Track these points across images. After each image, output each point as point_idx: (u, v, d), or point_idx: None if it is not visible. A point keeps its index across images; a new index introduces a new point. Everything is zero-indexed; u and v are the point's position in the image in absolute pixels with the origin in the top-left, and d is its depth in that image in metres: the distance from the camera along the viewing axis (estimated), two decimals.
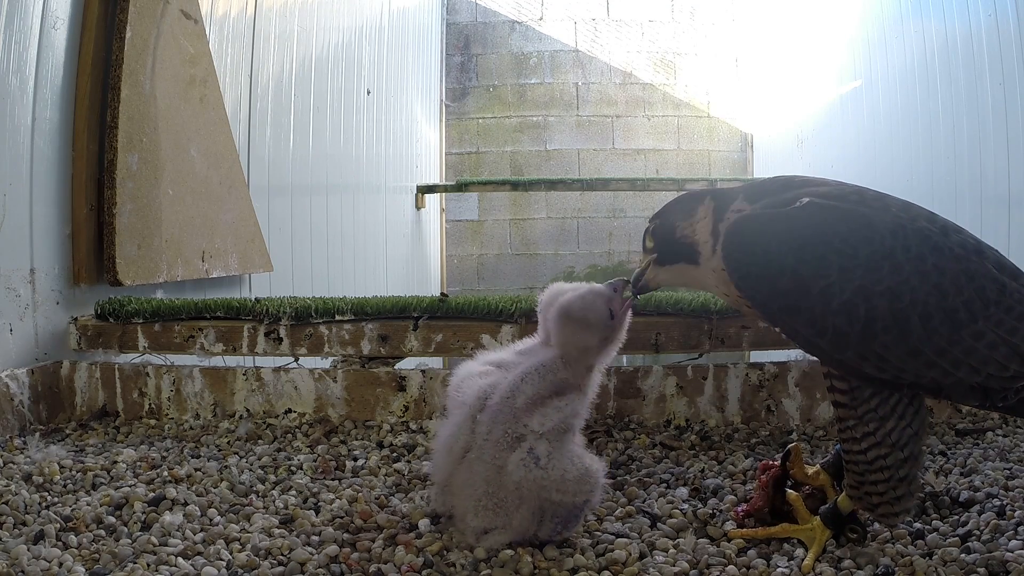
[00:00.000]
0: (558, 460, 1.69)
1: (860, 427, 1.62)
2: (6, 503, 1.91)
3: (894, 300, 1.53)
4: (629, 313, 1.86)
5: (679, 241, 1.80)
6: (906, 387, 1.59)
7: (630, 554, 1.70)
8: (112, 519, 1.85)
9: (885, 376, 1.57)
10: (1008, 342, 1.53)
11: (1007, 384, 1.54)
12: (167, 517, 1.84)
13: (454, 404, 1.84)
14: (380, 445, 2.47)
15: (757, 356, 3.37)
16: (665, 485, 2.12)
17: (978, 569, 1.62)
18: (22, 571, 1.60)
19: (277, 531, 1.82)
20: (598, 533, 1.82)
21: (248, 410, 2.72)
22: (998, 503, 1.91)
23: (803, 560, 1.66)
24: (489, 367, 1.86)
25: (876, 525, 1.79)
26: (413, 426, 2.62)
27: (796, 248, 1.59)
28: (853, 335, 1.54)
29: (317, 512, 1.94)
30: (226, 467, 2.22)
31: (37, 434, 2.47)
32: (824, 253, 1.57)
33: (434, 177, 8.80)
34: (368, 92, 6.19)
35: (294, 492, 2.06)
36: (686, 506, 1.96)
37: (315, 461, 2.29)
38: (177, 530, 1.80)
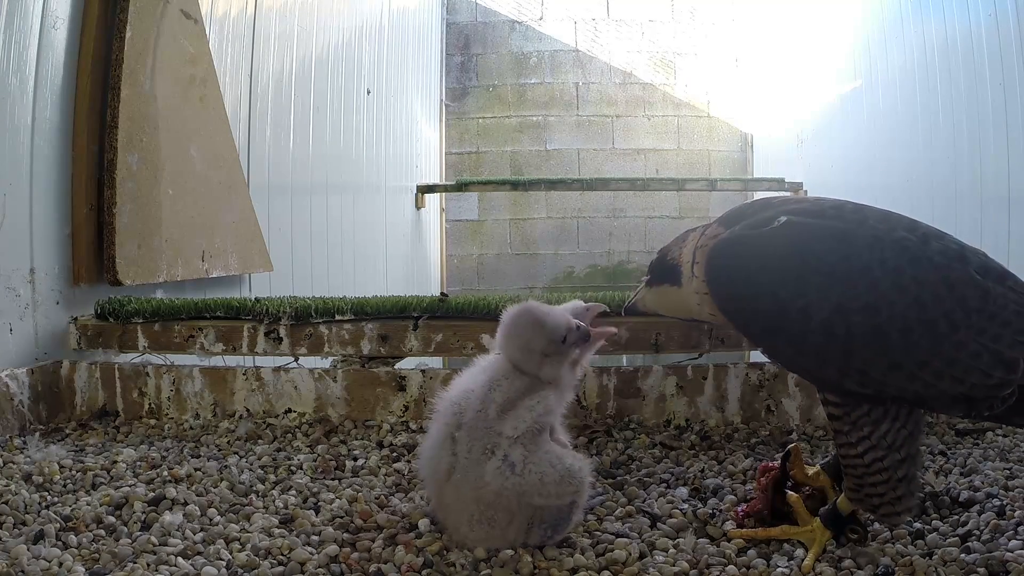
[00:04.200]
0: (535, 464, 1.68)
1: (855, 432, 1.62)
2: (6, 503, 1.91)
3: (872, 315, 1.52)
4: (578, 352, 1.84)
5: (669, 263, 1.89)
6: (889, 400, 1.59)
7: (630, 554, 1.70)
8: (112, 519, 1.85)
9: (867, 391, 1.57)
10: (991, 349, 1.52)
11: (992, 393, 1.53)
12: (167, 517, 1.84)
13: (434, 416, 1.83)
14: (380, 445, 2.47)
15: (757, 356, 3.36)
16: (665, 485, 2.12)
17: (978, 569, 1.62)
18: (22, 571, 1.60)
19: (277, 531, 1.82)
20: (598, 533, 1.82)
21: (248, 410, 2.72)
22: (998, 503, 1.91)
23: (803, 560, 1.66)
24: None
25: (876, 525, 1.79)
26: (413, 426, 2.62)
27: (774, 268, 1.60)
28: (833, 352, 1.55)
29: (317, 512, 1.94)
30: (226, 467, 2.22)
31: (37, 434, 2.47)
32: (801, 272, 1.57)
33: (434, 177, 8.80)
34: (368, 92, 6.18)
35: (294, 492, 2.06)
36: (686, 506, 1.96)
37: (315, 461, 2.29)
38: (177, 530, 1.81)
